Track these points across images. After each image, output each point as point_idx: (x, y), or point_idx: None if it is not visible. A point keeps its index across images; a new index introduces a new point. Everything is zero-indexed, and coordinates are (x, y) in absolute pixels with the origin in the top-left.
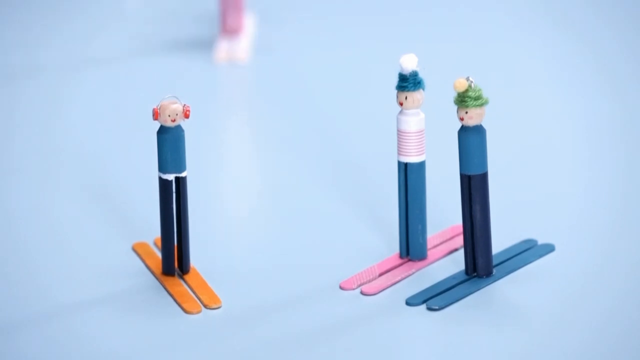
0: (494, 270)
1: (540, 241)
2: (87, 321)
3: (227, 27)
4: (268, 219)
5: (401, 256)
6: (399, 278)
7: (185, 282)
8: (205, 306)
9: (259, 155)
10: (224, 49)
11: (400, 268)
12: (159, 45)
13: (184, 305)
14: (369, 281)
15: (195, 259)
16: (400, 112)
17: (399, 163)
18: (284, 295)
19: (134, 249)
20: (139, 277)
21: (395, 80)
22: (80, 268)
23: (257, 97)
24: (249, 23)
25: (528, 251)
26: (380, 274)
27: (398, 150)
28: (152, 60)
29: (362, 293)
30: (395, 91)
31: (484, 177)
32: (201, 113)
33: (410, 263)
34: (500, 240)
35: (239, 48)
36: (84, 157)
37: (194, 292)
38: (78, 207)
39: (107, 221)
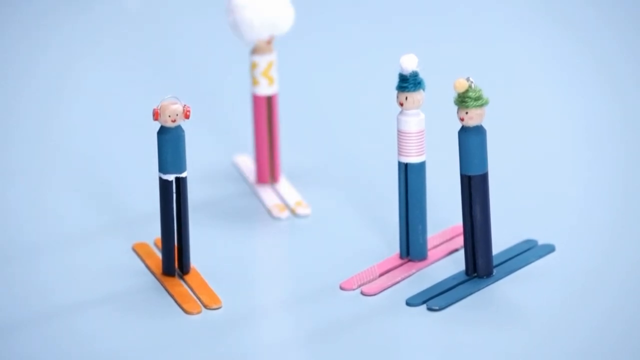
0: (494, 271)
1: (540, 241)
2: (87, 321)
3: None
4: (268, 219)
5: (401, 256)
6: (399, 278)
7: (186, 282)
8: (205, 306)
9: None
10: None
11: (401, 268)
12: None
13: (184, 306)
14: (369, 281)
15: (195, 259)
16: (401, 112)
17: (399, 163)
18: (284, 295)
19: (134, 249)
20: (139, 277)
21: (395, 81)
22: (80, 268)
23: None
24: None
25: (528, 251)
26: (381, 274)
27: (398, 150)
28: None
29: (362, 293)
30: (396, 91)
31: (484, 178)
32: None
33: (410, 263)
34: (501, 241)
35: None
36: (84, 157)
37: (194, 293)
38: (78, 207)
39: (107, 221)
